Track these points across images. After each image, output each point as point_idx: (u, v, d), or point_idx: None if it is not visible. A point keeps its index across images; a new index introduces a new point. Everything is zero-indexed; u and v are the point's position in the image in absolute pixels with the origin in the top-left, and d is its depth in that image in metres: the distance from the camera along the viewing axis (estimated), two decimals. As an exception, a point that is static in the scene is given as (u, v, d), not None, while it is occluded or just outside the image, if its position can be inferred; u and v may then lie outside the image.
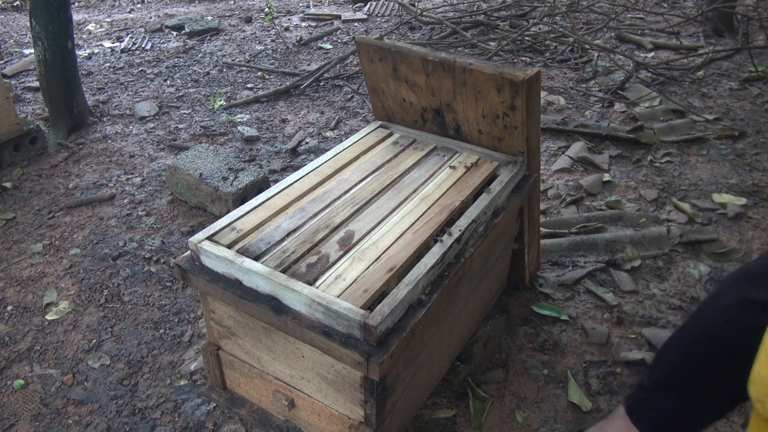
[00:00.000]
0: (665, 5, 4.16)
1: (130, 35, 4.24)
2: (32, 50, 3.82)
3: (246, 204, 1.25)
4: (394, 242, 1.14)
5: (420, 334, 1.11)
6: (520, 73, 1.24)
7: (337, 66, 3.36)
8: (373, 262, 1.09)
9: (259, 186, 2.14)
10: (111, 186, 2.37)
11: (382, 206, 1.25)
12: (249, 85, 3.29)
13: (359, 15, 4.39)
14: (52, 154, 2.61)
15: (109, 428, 1.38)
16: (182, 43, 4.02)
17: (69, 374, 1.53)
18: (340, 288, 1.03)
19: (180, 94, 3.22)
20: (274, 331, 1.11)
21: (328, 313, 0.98)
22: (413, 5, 4.24)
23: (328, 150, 1.69)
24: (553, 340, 1.55)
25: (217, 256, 1.10)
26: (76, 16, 4.81)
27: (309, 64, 3.54)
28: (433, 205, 1.25)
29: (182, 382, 1.49)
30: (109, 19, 4.75)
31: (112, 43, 4.13)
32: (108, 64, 3.70)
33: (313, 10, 4.63)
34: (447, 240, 1.13)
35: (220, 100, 3.08)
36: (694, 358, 0.91)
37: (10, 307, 1.76)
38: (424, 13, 3.91)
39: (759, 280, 0.85)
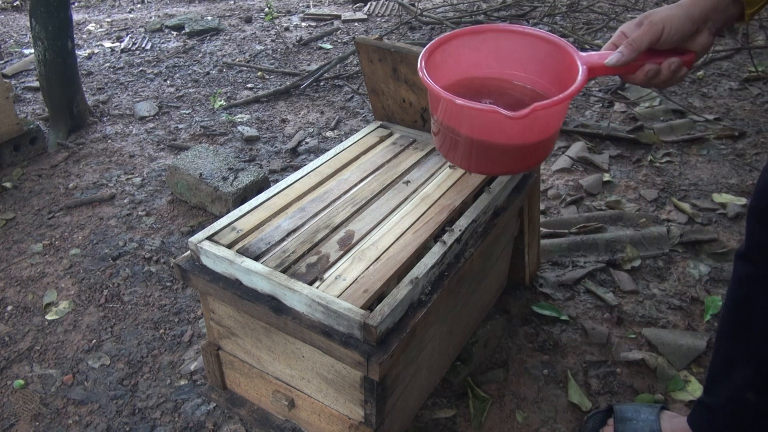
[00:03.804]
0: (665, 5, 4.15)
1: (130, 35, 4.24)
2: (32, 50, 3.82)
3: (246, 204, 1.25)
4: (394, 242, 1.14)
5: (420, 334, 1.11)
6: (520, 73, 1.24)
7: (337, 66, 3.36)
8: (373, 262, 1.09)
9: (259, 186, 2.14)
10: (111, 186, 2.37)
11: (382, 206, 1.25)
12: (249, 85, 3.30)
13: (359, 15, 4.39)
14: (52, 154, 2.61)
15: (109, 428, 1.38)
16: (182, 43, 4.02)
17: (69, 374, 1.53)
18: (340, 288, 1.03)
19: (180, 94, 3.22)
20: (274, 331, 1.11)
21: (328, 313, 0.98)
22: (413, 5, 4.24)
23: (328, 150, 1.69)
24: (553, 340, 1.55)
25: (217, 256, 1.10)
26: (76, 16, 4.81)
27: (309, 64, 3.54)
28: (433, 205, 1.25)
29: (182, 382, 1.49)
30: (109, 19, 4.75)
31: (112, 43, 4.13)
32: (108, 64, 3.70)
33: (313, 10, 4.63)
34: (447, 240, 1.13)
35: (220, 100, 3.08)
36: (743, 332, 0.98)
37: (10, 307, 1.76)
38: (424, 13, 3.91)
39: None
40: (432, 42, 1.03)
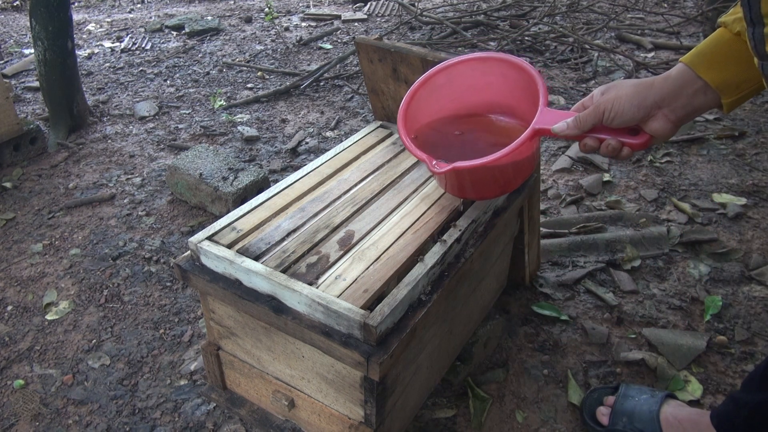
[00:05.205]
0: (665, 5, 4.16)
1: (130, 35, 4.24)
2: (32, 50, 3.82)
3: (246, 204, 1.25)
4: (394, 242, 1.14)
5: (420, 334, 1.11)
6: (520, 73, 1.24)
7: (337, 66, 3.36)
8: (373, 262, 1.09)
9: (259, 186, 2.14)
10: (111, 186, 2.37)
11: (382, 206, 1.25)
12: (249, 85, 3.30)
13: (359, 15, 4.39)
14: (52, 154, 2.61)
15: (109, 428, 1.39)
16: (182, 43, 4.02)
17: (69, 374, 1.53)
18: (340, 288, 1.03)
19: (180, 94, 3.22)
20: (274, 331, 1.11)
21: (328, 313, 0.98)
22: (413, 5, 4.24)
23: (328, 150, 1.69)
24: (553, 340, 1.55)
25: (217, 256, 1.10)
26: (76, 16, 4.81)
27: (309, 64, 3.54)
28: (433, 205, 1.25)
29: (182, 382, 1.49)
30: (109, 19, 4.75)
31: (112, 43, 4.13)
32: (108, 64, 3.70)
33: (313, 10, 4.63)
34: (447, 240, 1.13)
35: (220, 100, 3.08)
36: None
37: (10, 307, 1.76)
38: (424, 13, 3.91)
39: None
40: (432, 69, 1.17)
